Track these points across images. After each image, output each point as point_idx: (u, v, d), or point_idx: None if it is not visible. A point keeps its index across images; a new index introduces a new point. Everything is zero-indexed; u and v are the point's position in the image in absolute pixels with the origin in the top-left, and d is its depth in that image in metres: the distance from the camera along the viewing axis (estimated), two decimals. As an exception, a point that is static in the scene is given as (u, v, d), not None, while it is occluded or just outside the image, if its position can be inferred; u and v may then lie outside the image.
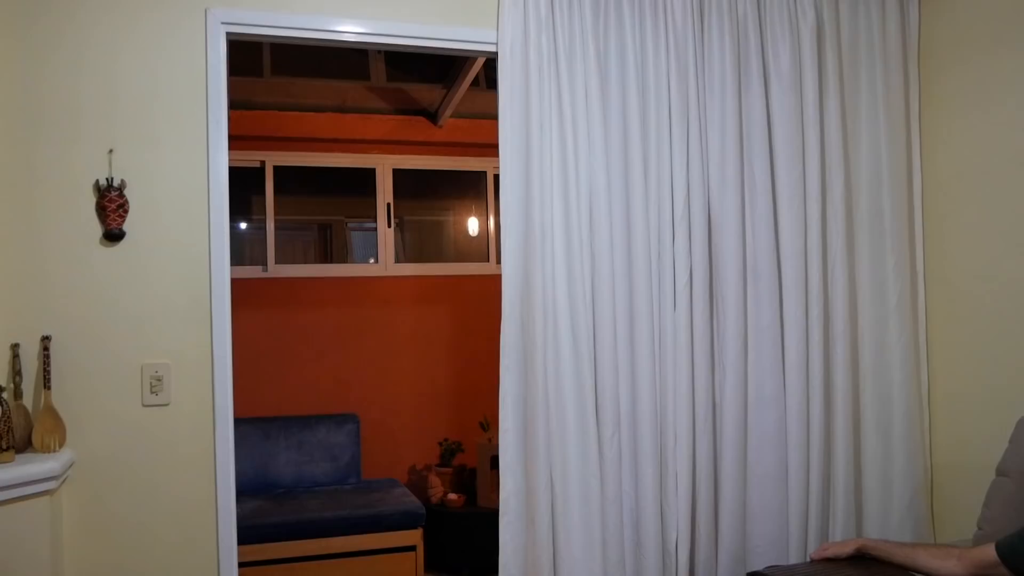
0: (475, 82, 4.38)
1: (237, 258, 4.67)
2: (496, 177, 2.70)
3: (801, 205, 2.80)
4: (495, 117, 2.64)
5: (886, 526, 2.83)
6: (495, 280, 2.72)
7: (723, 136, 2.75)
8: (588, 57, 2.64)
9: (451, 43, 2.65)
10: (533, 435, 2.54)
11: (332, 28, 2.52)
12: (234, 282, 2.45)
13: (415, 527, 4.14)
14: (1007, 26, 2.68)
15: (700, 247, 2.71)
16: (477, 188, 5.36)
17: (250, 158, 4.81)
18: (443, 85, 4.72)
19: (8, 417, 2.08)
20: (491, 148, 2.73)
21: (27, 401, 2.21)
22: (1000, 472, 2.31)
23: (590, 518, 2.56)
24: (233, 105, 2.78)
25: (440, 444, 4.84)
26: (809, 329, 2.79)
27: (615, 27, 2.68)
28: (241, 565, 2.45)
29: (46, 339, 2.21)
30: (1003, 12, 2.70)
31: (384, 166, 5.08)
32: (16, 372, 2.17)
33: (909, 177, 2.97)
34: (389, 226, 5.07)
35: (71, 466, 2.21)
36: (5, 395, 2.11)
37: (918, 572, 2.00)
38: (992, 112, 2.74)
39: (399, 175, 5.11)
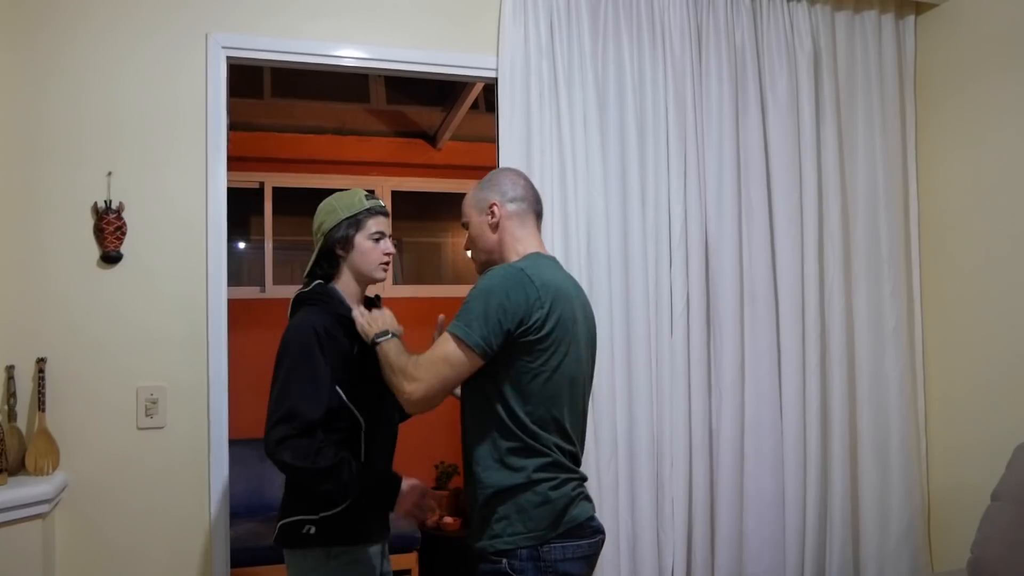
0: (474, 105, 4.40)
1: (235, 278, 4.67)
2: (494, 201, 2.69)
3: (798, 231, 2.81)
4: (494, 140, 2.65)
5: (883, 552, 2.82)
6: (492, 303, 2.72)
7: (720, 162, 2.76)
8: (587, 83, 2.66)
9: (451, 69, 2.66)
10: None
11: (332, 53, 2.53)
12: (232, 302, 2.45)
13: (410, 551, 4.10)
14: (1002, 54, 2.71)
15: (697, 273, 2.72)
16: (476, 210, 5.36)
17: (249, 179, 4.82)
18: (442, 108, 4.74)
19: (2, 439, 2.07)
20: (490, 171, 2.74)
21: (21, 423, 2.20)
22: (995, 497, 2.30)
23: (586, 544, 2.54)
24: (233, 127, 2.79)
25: (436, 467, 4.81)
26: (806, 355, 2.79)
27: (614, 53, 2.70)
28: (234, 589, 2.43)
29: (41, 361, 2.21)
30: (998, 40, 2.72)
31: (383, 188, 5.09)
32: (11, 394, 2.17)
33: (905, 203, 2.98)
34: (387, 247, 5.07)
35: (64, 489, 2.20)
36: (-1, 417, 2.11)
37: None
38: (988, 139, 2.76)
39: (398, 197, 5.12)
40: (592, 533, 1.81)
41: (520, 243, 1.91)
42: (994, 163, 2.74)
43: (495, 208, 1.91)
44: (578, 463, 1.87)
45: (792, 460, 2.76)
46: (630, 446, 2.63)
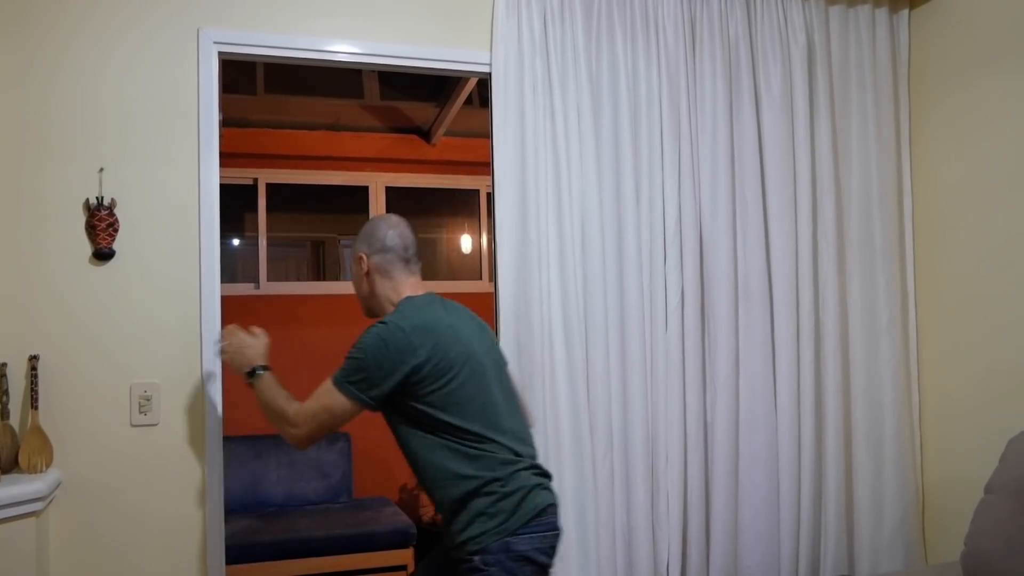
0: (468, 100, 4.39)
1: (229, 275, 4.66)
2: (489, 195, 2.71)
3: (792, 226, 2.81)
4: (488, 136, 2.65)
5: (877, 545, 2.83)
6: (488, 298, 2.72)
7: (714, 157, 2.76)
8: (580, 78, 2.66)
9: (444, 64, 2.65)
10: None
11: (325, 48, 2.52)
12: (226, 299, 2.44)
13: (406, 546, 4.11)
14: (996, 49, 2.71)
15: (692, 268, 2.72)
16: (470, 206, 5.37)
17: (243, 175, 4.81)
18: (436, 103, 4.73)
19: (-5, 437, 2.06)
20: (484, 166, 2.74)
21: (14, 421, 2.19)
22: (988, 490, 2.31)
23: (585, 540, 2.55)
24: (226, 122, 2.79)
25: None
26: (800, 349, 2.80)
27: (607, 48, 2.69)
28: (229, 586, 2.43)
29: (34, 359, 2.20)
30: (992, 35, 2.73)
31: (377, 184, 5.09)
32: (3, 391, 2.16)
33: (899, 198, 2.98)
34: (382, 243, 5.06)
35: (58, 487, 2.19)
36: (-8, 415, 2.10)
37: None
38: (982, 133, 2.76)
39: (392, 193, 5.12)
40: (552, 525, 1.93)
41: (391, 291, 2.07)
42: (988, 157, 2.74)
43: (362, 260, 2.09)
44: (528, 450, 2.00)
45: (787, 454, 2.76)
46: (625, 441, 2.64)
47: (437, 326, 1.97)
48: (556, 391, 2.56)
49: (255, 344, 2.14)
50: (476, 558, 1.84)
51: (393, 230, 2.11)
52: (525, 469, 1.93)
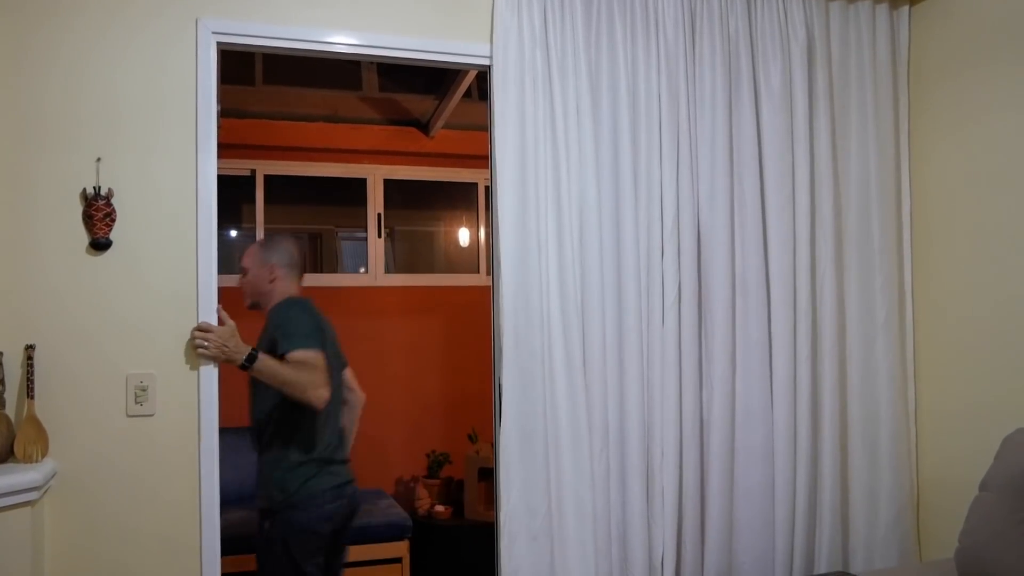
0: (467, 93, 4.38)
1: (226, 266, 4.63)
2: (487, 189, 2.71)
3: (790, 222, 2.81)
4: (487, 128, 2.64)
5: (872, 542, 2.84)
6: (485, 292, 2.72)
7: (713, 152, 2.76)
8: (580, 72, 2.65)
9: (444, 56, 2.65)
10: (532, 450, 2.54)
11: (324, 39, 2.51)
12: (222, 290, 2.44)
13: (401, 539, 4.11)
14: (996, 46, 2.71)
15: (689, 263, 2.72)
16: (468, 199, 5.36)
17: (241, 166, 4.80)
18: (435, 96, 4.72)
19: (-10, 426, 2.06)
20: (482, 160, 2.73)
21: (10, 410, 2.19)
22: (983, 488, 2.32)
23: (583, 534, 2.56)
24: (224, 113, 2.77)
25: (428, 455, 4.82)
26: (797, 346, 2.80)
27: (607, 42, 2.69)
28: (225, 577, 2.43)
29: (30, 348, 2.19)
30: (992, 31, 2.72)
31: (375, 176, 5.08)
32: (-1, 381, 2.16)
33: (898, 195, 2.98)
34: (379, 236, 5.06)
35: (53, 476, 2.19)
36: (-12, 404, 2.09)
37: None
38: (981, 131, 2.76)
39: (390, 185, 5.10)
40: (332, 499, 2.64)
41: (284, 293, 2.72)
42: (987, 154, 2.74)
43: (274, 268, 2.74)
44: (335, 455, 2.71)
45: (782, 450, 2.77)
46: (621, 436, 2.64)
47: (324, 327, 2.65)
48: (555, 385, 2.56)
49: (231, 331, 2.37)
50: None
51: (297, 251, 2.82)
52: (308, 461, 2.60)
